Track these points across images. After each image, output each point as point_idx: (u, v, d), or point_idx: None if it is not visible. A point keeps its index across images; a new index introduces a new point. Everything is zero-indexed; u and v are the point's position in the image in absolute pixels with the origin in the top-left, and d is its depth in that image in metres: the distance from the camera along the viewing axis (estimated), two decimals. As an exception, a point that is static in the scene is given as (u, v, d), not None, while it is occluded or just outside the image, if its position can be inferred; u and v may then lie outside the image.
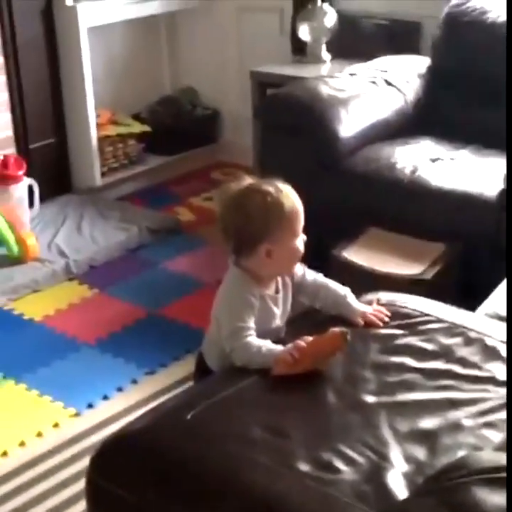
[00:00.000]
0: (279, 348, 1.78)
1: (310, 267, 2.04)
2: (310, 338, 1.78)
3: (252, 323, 1.85)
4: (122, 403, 2.66)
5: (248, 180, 1.91)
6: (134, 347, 2.97)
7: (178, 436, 1.63)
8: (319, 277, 2.01)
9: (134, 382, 2.78)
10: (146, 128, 4.36)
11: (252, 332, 1.83)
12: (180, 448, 1.60)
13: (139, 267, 3.59)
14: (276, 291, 1.95)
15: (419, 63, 3.65)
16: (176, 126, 4.51)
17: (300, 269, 1.99)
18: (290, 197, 1.88)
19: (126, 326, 3.11)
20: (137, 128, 4.35)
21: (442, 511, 1.09)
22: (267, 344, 1.80)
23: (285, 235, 1.86)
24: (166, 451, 1.60)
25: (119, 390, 2.74)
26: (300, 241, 1.89)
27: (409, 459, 1.53)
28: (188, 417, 1.66)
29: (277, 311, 1.94)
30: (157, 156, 4.45)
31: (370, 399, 1.70)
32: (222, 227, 1.91)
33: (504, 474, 1.11)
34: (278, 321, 1.95)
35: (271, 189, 1.86)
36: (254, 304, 1.86)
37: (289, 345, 1.76)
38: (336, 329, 1.78)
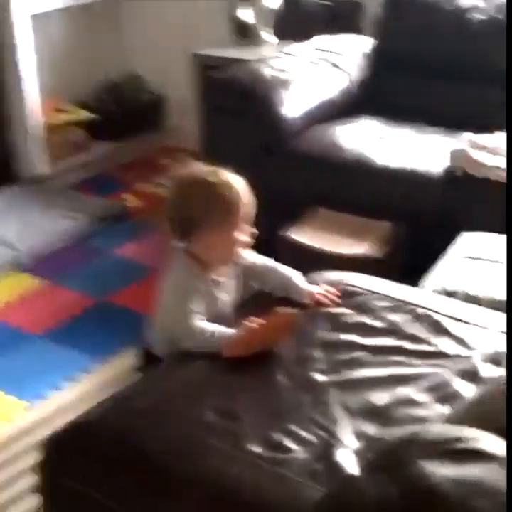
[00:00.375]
0: (231, 331, 1.78)
1: (260, 250, 2.04)
2: (260, 321, 1.78)
3: (199, 307, 1.84)
4: (74, 393, 2.63)
5: (196, 169, 1.91)
6: (85, 336, 2.94)
7: (131, 424, 1.62)
8: (268, 261, 2.01)
9: (86, 371, 2.75)
10: (92, 115, 4.31)
11: (201, 316, 1.83)
12: (135, 435, 1.59)
13: (88, 255, 3.55)
14: (225, 277, 1.94)
15: (361, 43, 3.65)
16: (122, 113, 4.46)
17: (249, 255, 1.99)
18: (233, 189, 1.88)
19: (76, 315, 3.08)
20: (83, 115, 4.30)
21: (392, 486, 1.10)
22: (218, 328, 1.80)
23: (224, 226, 1.87)
24: (120, 440, 1.59)
25: (71, 380, 2.71)
26: (244, 233, 1.90)
27: (360, 435, 1.55)
28: (142, 404, 1.65)
29: (226, 297, 1.95)
30: (103, 143, 4.40)
31: (321, 378, 1.71)
32: (167, 214, 1.92)
33: (453, 446, 1.12)
34: (226, 306, 1.95)
35: (214, 180, 1.87)
36: (201, 288, 1.86)
37: (240, 328, 1.77)
38: (286, 310, 1.79)
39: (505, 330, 1.85)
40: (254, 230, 1.92)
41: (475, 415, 1.29)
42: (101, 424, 1.64)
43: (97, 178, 4.33)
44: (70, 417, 1.75)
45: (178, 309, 1.85)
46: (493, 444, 1.10)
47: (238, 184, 1.89)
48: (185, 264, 1.90)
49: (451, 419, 1.34)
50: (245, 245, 1.92)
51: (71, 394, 2.63)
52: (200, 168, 1.92)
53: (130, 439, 1.59)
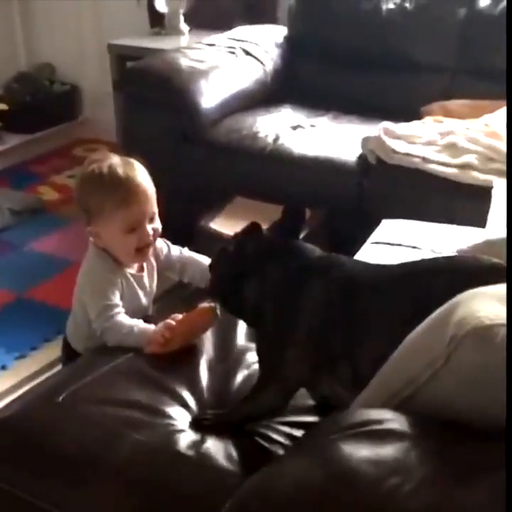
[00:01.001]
0: (151, 327, 1.76)
1: (178, 239, 2.04)
2: (180, 316, 1.77)
3: (117, 300, 1.82)
4: (-8, 390, 2.60)
5: (103, 159, 1.84)
6: (3, 332, 2.89)
7: (50, 420, 1.59)
8: (184, 251, 2.00)
9: (4, 368, 2.71)
10: (3, 106, 4.23)
11: (120, 309, 1.81)
12: (53, 431, 1.56)
13: (4, 249, 3.49)
14: (140, 270, 1.93)
15: (277, 33, 3.68)
16: (34, 104, 4.39)
17: (164, 247, 1.97)
18: (126, 191, 1.79)
19: (-6, 311, 3.03)
20: (-7, 106, 4.21)
21: (313, 468, 1.12)
22: (138, 324, 1.78)
23: (109, 226, 1.80)
24: (39, 436, 1.57)
25: (-12, 376, 2.67)
26: (142, 233, 1.82)
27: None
28: (60, 399, 1.63)
29: (142, 290, 1.92)
30: (16, 135, 4.32)
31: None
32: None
33: (369, 427, 1.15)
34: (144, 300, 1.93)
35: (109, 171, 1.79)
36: (116, 281, 1.84)
37: (160, 325, 1.74)
38: (205, 305, 1.78)
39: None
40: (158, 227, 1.85)
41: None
42: (17, 422, 1.61)
43: (11, 171, 4.25)
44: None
45: (93, 303, 1.82)
46: (404, 423, 1.14)
47: (137, 177, 1.81)
48: (99, 257, 1.86)
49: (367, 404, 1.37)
50: (145, 245, 1.85)
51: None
52: (107, 160, 1.84)
53: (45, 434, 1.56)
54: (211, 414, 1.58)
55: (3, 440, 1.60)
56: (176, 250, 1.99)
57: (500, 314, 1.08)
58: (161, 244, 1.97)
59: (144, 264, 1.93)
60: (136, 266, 1.91)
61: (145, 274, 1.93)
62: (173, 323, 1.75)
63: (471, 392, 1.11)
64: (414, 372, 1.18)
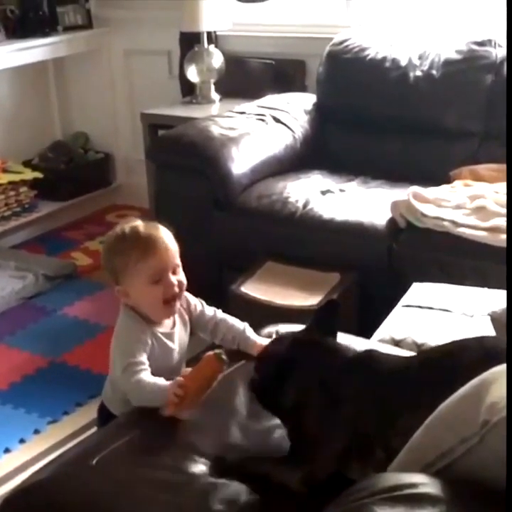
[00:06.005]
0: (167, 384, 1.75)
1: (211, 303, 2.06)
2: (187, 370, 1.78)
3: (143, 358, 1.82)
4: (25, 455, 2.60)
5: (128, 223, 1.92)
6: (36, 396, 2.91)
7: (83, 484, 1.60)
8: (218, 313, 2.02)
9: (37, 432, 2.72)
10: (38, 174, 4.31)
11: (144, 367, 1.81)
12: (87, 496, 1.57)
13: (37, 314, 3.53)
14: (173, 327, 1.95)
15: (306, 100, 3.75)
16: (68, 172, 4.50)
17: (199, 305, 2.00)
18: (146, 243, 1.85)
19: (27, 375, 3.05)
20: (29, 175, 4.30)
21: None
22: (157, 381, 1.77)
23: (135, 280, 1.85)
24: (72, 500, 1.57)
25: (22, 441, 2.68)
26: (165, 287, 1.86)
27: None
28: (93, 462, 1.63)
29: (174, 346, 1.93)
30: (51, 202, 4.41)
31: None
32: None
33: (403, 492, 1.14)
34: (176, 357, 1.95)
35: (135, 230, 1.87)
36: (145, 340, 1.85)
37: (170, 384, 1.73)
38: (210, 352, 1.77)
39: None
40: (182, 279, 1.90)
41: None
42: (50, 486, 1.61)
43: (46, 237, 4.33)
44: (21, 479, 1.74)
45: (119, 361, 1.84)
46: (438, 487, 1.14)
47: (158, 233, 1.88)
48: (128, 317, 1.90)
49: (399, 468, 1.37)
50: (172, 297, 1.88)
51: (22, 456, 2.59)
52: (131, 222, 1.92)
53: (78, 498, 1.56)
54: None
55: (37, 503, 1.61)
56: (210, 310, 2.01)
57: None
58: (196, 301, 1.99)
59: (177, 320, 1.95)
60: (167, 324, 1.93)
61: (176, 330, 1.95)
62: (181, 379, 1.74)
63: (504, 468, 1.12)
64: (448, 445, 1.21)
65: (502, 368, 1.23)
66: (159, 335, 1.89)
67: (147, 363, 1.82)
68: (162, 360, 1.89)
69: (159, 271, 1.85)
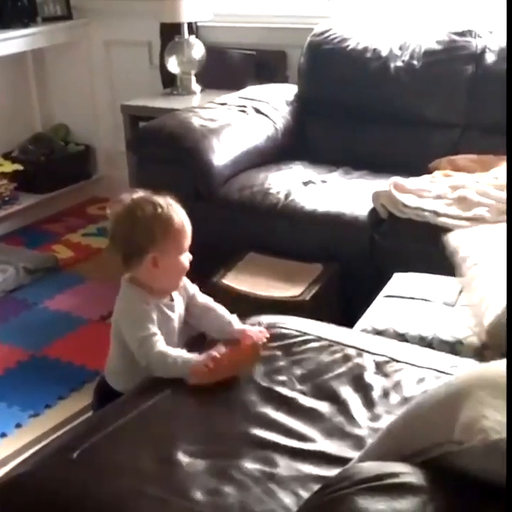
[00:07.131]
0: (195, 357, 1.83)
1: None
2: (223, 349, 1.85)
3: (155, 329, 1.89)
4: (7, 449, 2.58)
5: (140, 193, 1.98)
6: (17, 390, 2.89)
7: (63, 477, 1.59)
8: (210, 301, 2.07)
9: (18, 426, 2.71)
10: (18, 167, 4.29)
11: (158, 337, 1.88)
12: (66, 489, 1.56)
13: (18, 308, 3.51)
14: (171, 300, 2.01)
15: (287, 91, 3.73)
16: (49, 164, 4.46)
17: (193, 288, 2.03)
18: (178, 213, 1.96)
19: (8, 368, 3.03)
20: (8, 167, 4.27)
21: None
22: (182, 354, 1.85)
23: (170, 247, 1.94)
24: (52, 493, 1.57)
25: (3, 435, 2.66)
26: (185, 258, 1.98)
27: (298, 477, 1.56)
28: (74, 455, 1.63)
29: (174, 316, 2.00)
30: (31, 195, 4.37)
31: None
32: (111, 237, 1.98)
33: (385, 481, 1.14)
34: (175, 325, 2.01)
35: (162, 202, 1.95)
36: (152, 312, 1.92)
37: (204, 356, 1.82)
38: (249, 341, 1.89)
39: (429, 366, 1.90)
40: (190, 256, 2.00)
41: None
42: (30, 480, 1.61)
43: (27, 230, 4.30)
44: (2, 473, 1.73)
45: (133, 336, 1.90)
46: (420, 476, 1.14)
47: (182, 210, 1.99)
48: (133, 291, 1.96)
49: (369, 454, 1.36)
50: (185, 271, 1.99)
51: (4, 450, 2.57)
52: (143, 193, 1.98)
53: (58, 491, 1.56)
54: None
55: (18, 497, 1.60)
56: (202, 297, 2.06)
57: (503, 421, 1.10)
58: (191, 285, 2.07)
59: (175, 295, 2.01)
60: (167, 297, 2.00)
61: (176, 302, 2.02)
62: (217, 354, 1.82)
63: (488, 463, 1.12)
64: (423, 446, 1.21)
65: (478, 376, 1.23)
66: (161, 305, 1.96)
67: (159, 332, 1.89)
68: (163, 328, 1.94)
69: (187, 244, 1.97)
